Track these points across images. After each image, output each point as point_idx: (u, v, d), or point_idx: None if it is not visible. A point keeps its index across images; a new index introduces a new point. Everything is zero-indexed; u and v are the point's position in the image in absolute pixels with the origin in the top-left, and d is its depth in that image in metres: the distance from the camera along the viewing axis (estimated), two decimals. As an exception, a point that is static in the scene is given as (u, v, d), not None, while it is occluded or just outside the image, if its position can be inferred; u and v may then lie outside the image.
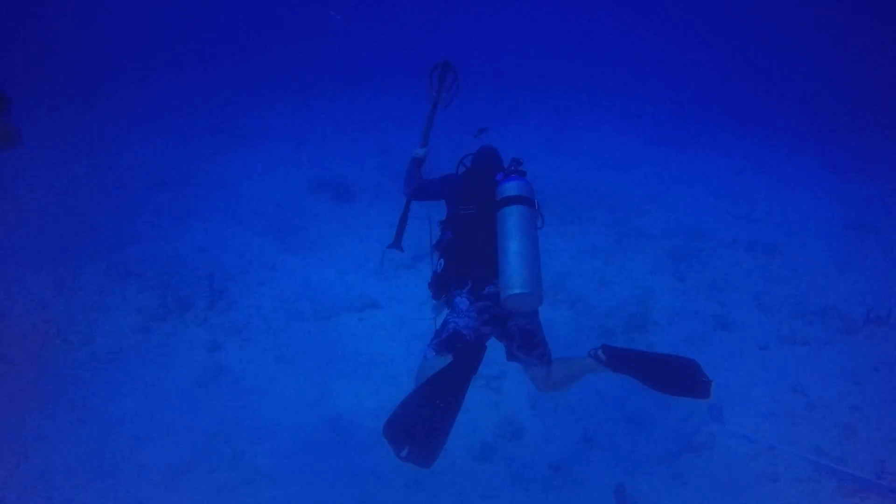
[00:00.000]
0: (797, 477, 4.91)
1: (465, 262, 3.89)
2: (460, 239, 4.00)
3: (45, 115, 11.99)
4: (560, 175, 10.19)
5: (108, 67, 15.17)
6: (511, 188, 3.83)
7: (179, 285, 7.18)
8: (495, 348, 3.91)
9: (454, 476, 5.07)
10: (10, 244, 7.72)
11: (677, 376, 3.66)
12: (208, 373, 6.01)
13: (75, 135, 11.32)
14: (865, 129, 12.92)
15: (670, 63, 19.04)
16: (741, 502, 4.80)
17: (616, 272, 7.71)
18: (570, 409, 5.77)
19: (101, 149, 10.85)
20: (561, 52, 19.86)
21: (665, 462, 5.11)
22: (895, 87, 14.83)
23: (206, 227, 8.66)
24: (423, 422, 3.25)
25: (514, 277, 3.50)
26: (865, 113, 13.76)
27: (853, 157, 11.59)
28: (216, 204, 9.30)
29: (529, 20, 23.46)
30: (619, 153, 11.62)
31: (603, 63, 19.11)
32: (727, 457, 5.11)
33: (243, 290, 7.31)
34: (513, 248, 3.58)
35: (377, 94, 14.87)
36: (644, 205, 9.44)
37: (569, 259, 7.97)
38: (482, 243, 3.81)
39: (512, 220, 3.69)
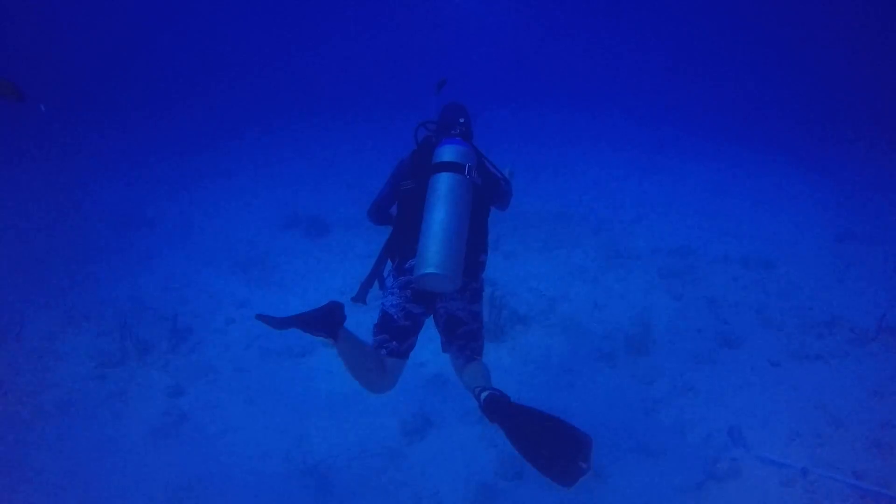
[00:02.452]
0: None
1: (395, 239, 3.53)
2: (398, 218, 3.56)
3: (3, 157, 11.26)
4: (540, 199, 9.63)
5: (70, 107, 14.42)
6: (442, 153, 3.38)
7: (140, 327, 6.38)
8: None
9: (452, 524, 4.31)
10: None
11: (553, 446, 2.85)
12: (169, 421, 5.21)
13: (36, 176, 10.58)
14: (844, 140, 12.61)
15: (645, 82, 18.66)
16: (778, 536, 4.11)
17: (608, 294, 7.07)
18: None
19: (62, 190, 10.12)
20: (534, 73, 19.36)
21: (688, 494, 4.39)
22: (874, 97, 14.57)
23: (171, 266, 7.91)
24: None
25: (428, 255, 3.12)
26: (844, 123, 13.49)
27: (833, 167, 11.22)
28: (183, 242, 8.57)
29: (503, 42, 23.05)
30: (597, 174, 11.11)
31: (576, 82, 18.65)
32: (758, 485, 4.40)
33: (210, 329, 6.54)
34: (435, 220, 3.17)
35: (349, 126, 14.33)
36: (628, 226, 8.88)
37: (558, 283, 7.32)
38: (414, 217, 3.35)
39: (438, 189, 3.26)
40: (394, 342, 3.36)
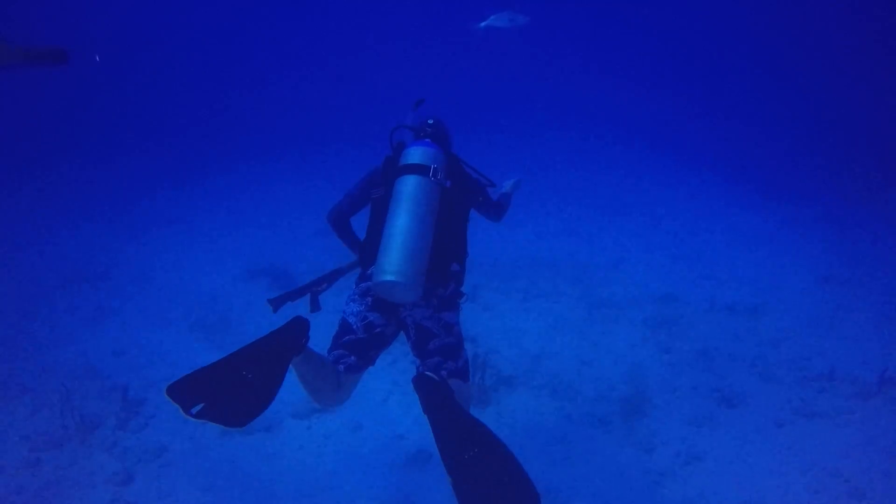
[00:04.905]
0: None
1: (362, 246, 3.35)
2: (367, 225, 3.38)
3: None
4: (515, 248, 9.14)
5: (14, 153, 13.50)
6: (406, 155, 3.18)
7: (86, 400, 5.64)
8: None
9: None
10: None
11: (496, 487, 2.41)
12: (115, 515, 4.45)
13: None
14: (822, 182, 12.37)
15: (617, 121, 18.17)
16: None
17: (595, 348, 6.55)
18: (574, 522, 4.45)
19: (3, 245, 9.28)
20: (498, 115, 18.78)
21: (711, 590, 3.81)
22: (853, 139, 14.43)
23: (123, 326, 7.17)
24: (225, 386, 2.53)
25: (385, 262, 2.89)
26: (822, 165, 13.29)
27: (810, 209, 10.97)
28: (137, 299, 7.83)
29: (466, 87, 22.53)
30: (569, 220, 10.65)
31: (547, 123, 18.07)
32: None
33: (166, 400, 5.76)
34: (395, 225, 2.96)
35: (315, 167, 13.69)
36: (607, 273, 8.42)
37: (540, 337, 6.79)
38: (380, 223, 3.15)
39: (400, 192, 3.05)
40: (352, 357, 3.12)
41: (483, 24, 7.64)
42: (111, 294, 7.96)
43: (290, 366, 2.89)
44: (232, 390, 2.51)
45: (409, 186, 3.05)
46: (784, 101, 18.16)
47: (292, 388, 5.67)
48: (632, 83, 21.76)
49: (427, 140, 3.32)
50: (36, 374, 6.13)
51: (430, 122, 3.56)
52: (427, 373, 2.89)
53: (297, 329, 2.85)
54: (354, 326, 3.15)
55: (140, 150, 14.94)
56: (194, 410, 2.43)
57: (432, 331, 3.08)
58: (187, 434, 5.30)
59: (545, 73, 24.21)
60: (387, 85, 21.09)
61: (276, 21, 28.49)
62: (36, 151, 13.98)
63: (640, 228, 10.20)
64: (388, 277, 2.85)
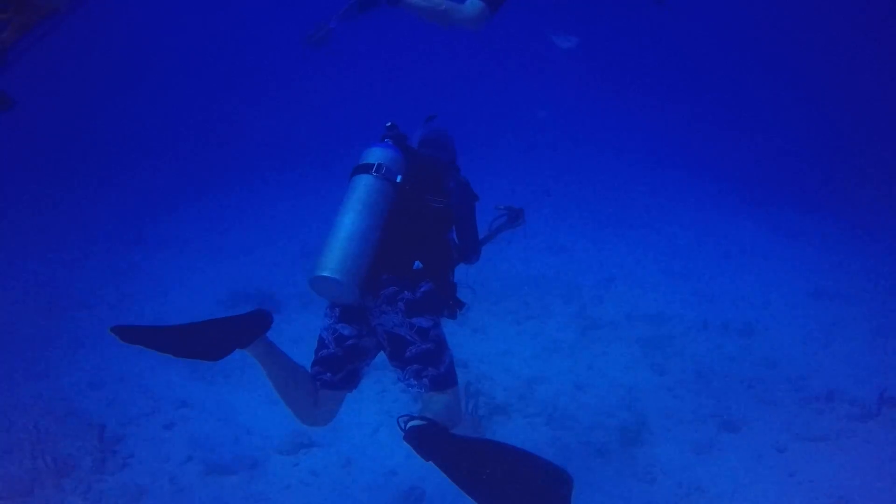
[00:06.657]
0: None
1: None
2: None
3: None
4: (503, 266, 8.93)
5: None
6: (364, 156, 3.14)
7: (59, 440, 5.33)
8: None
9: None
10: None
11: (523, 487, 2.43)
12: (89, 568, 4.17)
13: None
14: (812, 192, 12.26)
15: (604, 129, 17.74)
16: None
17: (589, 371, 6.36)
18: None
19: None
20: (483, 127, 18.25)
21: None
22: (839, 153, 14.30)
23: (101, 357, 6.84)
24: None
25: (325, 257, 2.85)
26: (812, 175, 13.17)
27: (800, 219, 10.88)
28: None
29: (451, 94, 21.91)
30: (558, 234, 10.43)
31: (532, 132, 17.57)
32: None
33: (145, 437, 5.52)
34: (334, 224, 2.94)
35: (304, 183, 13.35)
36: (598, 291, 8.23)
37: (533, 360, 6.59)
38: None
39: (347, 193, 3.03)
40: (327, 373, 3.10)
41: (557, 38, 7.23)
42: (89, 322, 7.65)
43: (263, 369, 3.15)
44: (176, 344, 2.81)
45: (352, 187, 3.04)
46: (777, 109, 17.91)
47: (277, 422, 5.44)
48: (620, 88, 21.34)
49: (386, 142, 3.25)
50: (5, 411, 5.81)
51: (388, 124, 3.47)
52: (411, 423, 2.71)
53: (257, 319, 3.07)
54: (326, 341, 3.15)
55: (120, 172, 14.48)
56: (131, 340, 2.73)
57: (406, 338, 2.97)
58: (168, 474, 5.02)
59: (535, 78, 23.77)
60: (379, 96, 20.63)
61: (264, 33, 27.80)
62: (10, 174, 13.53)
63: (630, 242, 10.02)
64: (321, 273, 2.83)
